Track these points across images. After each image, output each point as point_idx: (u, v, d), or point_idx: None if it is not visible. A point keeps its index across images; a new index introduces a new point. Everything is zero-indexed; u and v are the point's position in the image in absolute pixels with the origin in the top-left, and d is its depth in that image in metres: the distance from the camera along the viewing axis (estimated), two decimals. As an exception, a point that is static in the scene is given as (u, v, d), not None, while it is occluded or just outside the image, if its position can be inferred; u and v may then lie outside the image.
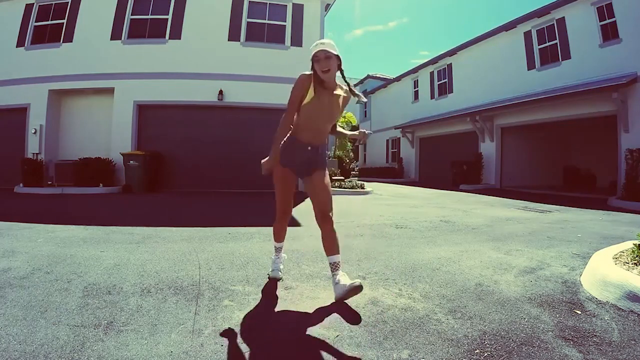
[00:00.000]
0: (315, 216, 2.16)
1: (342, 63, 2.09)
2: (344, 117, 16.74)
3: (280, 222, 2.43)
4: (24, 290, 2.14)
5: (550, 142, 14.06)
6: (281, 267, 2.54)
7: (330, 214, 2.14)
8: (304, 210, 6.01)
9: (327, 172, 2.26)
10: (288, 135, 2.16)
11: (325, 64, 1.99)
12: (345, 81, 2.19)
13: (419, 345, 1.59)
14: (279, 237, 2.49)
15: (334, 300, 2.06)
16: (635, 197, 7.50)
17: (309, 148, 2.13)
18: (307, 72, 2.06)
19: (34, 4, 10.12)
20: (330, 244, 2.11)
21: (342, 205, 7.00)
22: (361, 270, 2.72)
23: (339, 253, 2.13)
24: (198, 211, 6.02)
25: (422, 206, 7.19)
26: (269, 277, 2.48)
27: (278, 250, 2.54)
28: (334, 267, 2.10)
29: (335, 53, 2.01)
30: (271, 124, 11.47)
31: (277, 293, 2.22)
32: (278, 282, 2.42)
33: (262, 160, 2.17)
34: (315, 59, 2.00)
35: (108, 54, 9.90)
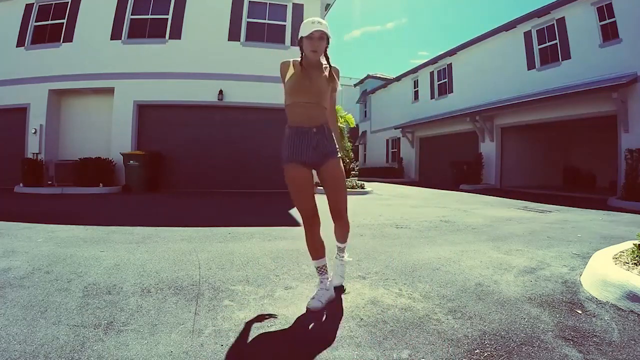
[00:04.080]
0: (330, 211, 2.09)
1: (337, 57, 2.08)
2: (343, 117, 16.71)
3: (309, 231, 2.03)
4: (24, 290, 2.14)
5: (550, 142, 14.06)
6: (327, 298, 1.99)
7: (345, 214, 2.12)
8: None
9: (340, 162, 2.05)
10: (286, 128, 2.03)
11: (317, 45, 1.93)
12: (329, 63, 2.06)
13: (419, 345, 1.59)
14: (316, 252, 2.06)
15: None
16: (635, 197, 7.50)
17: (314, 130, 1.96)
18: (284, 60, 2.03)
19: (34, 4, 10.12)
20: (341, 235, 2.23)
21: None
22: (361, 270, 2.72)
23: (345, 242, 2.27)
24: (198, 211, 6.02)
25: (422, 206, 7.19)
26: (306, 308, 1.95)
27: (321, 272, 2.07)
28: (340, 250, 2.29)
29: (329, 35, 1.96)
30: (271, 124, 11.51)
31: (277, 293, 2.22)
32: (278, 283, 2.41)
33: None
34: (310, 36, 1.91)
35: (108, 53, 9.90)
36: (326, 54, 2.02)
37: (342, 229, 2.18)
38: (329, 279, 2.12)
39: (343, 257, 2.31)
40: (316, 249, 2.06)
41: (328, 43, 1.98)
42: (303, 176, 1.98)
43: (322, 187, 2.07)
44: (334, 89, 2.09)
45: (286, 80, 2.00)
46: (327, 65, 2.05)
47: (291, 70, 1.99)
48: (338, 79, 2.09)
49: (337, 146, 2.06)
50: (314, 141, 1.96)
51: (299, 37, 1.96)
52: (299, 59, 2.00)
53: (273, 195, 9.06)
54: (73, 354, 1.45)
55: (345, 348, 1.57)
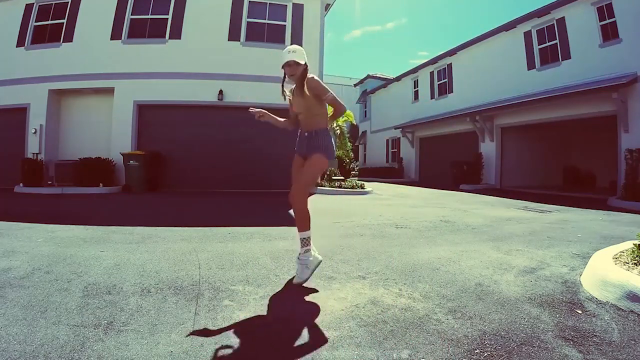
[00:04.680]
0: None
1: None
2: (344, 116, 16.73)
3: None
4: (24, 290, 2.14)
5: (550, 142, 14.06)
6: (308, 270, 2.39)
7: (296, 186, 2.47)
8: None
9: (317, 158, 2.50)
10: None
11: (293, 70, 2.47)
12: (304, 80, 2.49)
13: (419, 345, 1.59)
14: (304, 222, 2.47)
15: (333, 299, 2.06)
16: (635, 197, 7.50)
17: (306, 134, 2.58)
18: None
19: (34, 4, 10.11)
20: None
21: (342, 205, 7.00)
22: (361, 270, 2.72)
23: (300, 231, 2.44)
24: (198, 211, 6.02)
25: (422, 206, 7.19)
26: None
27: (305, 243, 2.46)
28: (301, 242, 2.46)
29: (302, 62, 2.46)
30: (271, 124, 11.43)
31: (277, 293, 2.22)
32: (278, 283, 2.41)
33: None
34: (286, 64, 2.45)
35: (108, 53, 9.89)
36: (304, 73, 2.49)
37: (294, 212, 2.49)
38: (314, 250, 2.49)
39: (300, 252, 2.47)
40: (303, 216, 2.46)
41: (306, 65, 2.50)
42: (298, 162, 2.64)
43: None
44: (317, 96, 2.49)
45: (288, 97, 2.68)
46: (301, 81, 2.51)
47: (292, 90, 2.61)
48: (316, 87, 2.46)
49: (322, 145, 2.53)
50: (304, 142, 2.60)
51: (282, 65, 2.47)
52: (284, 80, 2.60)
53: (273, 195, 9.06)
54: (73, 354, 1.45)
55: (345, 348, 1.57)
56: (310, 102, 2.51)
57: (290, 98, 2.65)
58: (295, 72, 2.47)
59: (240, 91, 10.18)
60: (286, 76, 2.57)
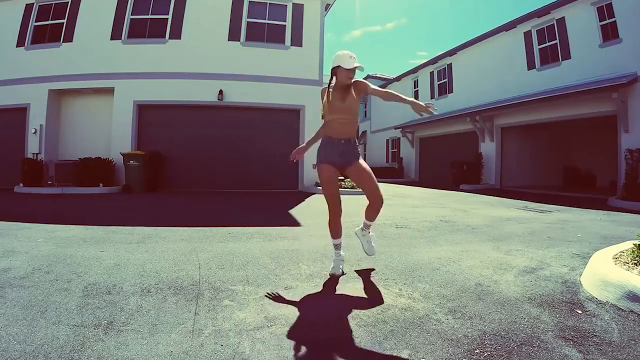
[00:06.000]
0: (367, 198, 2.57)
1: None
2: None
3: (333, 217, 2.58)
4: (24, 290, 2.14)
5: (550, 142, 14.05)
6: (342, 265, 2.62)
7: (380, 193, 2.55)
8: (304, 211, 6.03)
9: (363, 161, 2.59)
10: (322, 138, 2.65)
11: (353, 75, 2.49)
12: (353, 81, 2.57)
13: (419, 345, 1.59)
14: (336, 233, 2.62)
15: (333, 299, 2.06)
16: (635, 197, 7.50)
17: (342, 141, 2.53)
18: (324, 87, 2.59)
19: (34, 4, 10.12)
20: (371, 214, 2.63)
21: (342, 205, 6.97)
22: (359, 269, 2.72)
23: (373, 221, 2.68)
24: (198, 211, 6.02)
25: (422, 206, 7.19)
26: (329, 275, 2.54)
27: (337, 247, 2.65)
28: (366, 226, 2.71)
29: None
30: (271, 124, 11.50)
31: (277, 293, 2.22)
32: (278, 283, 2.42)
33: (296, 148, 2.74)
34: (352, 69, 2.43)
35: (108, 53, 9.89)
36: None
37: (374, 210, 2.59)
38: (341, 253, 2.67)
39: (369, 232, 2.75)
40: (337, 230, 2.61)
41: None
42: (330, 173, 2.56)
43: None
44: (363, 90, 2.54)
45: (324, 102, 2.59)
46: (350, 84, 2.54)
47: (327, 94, 2.56)
48: (363, 85, 2.54)
49: (358, 151, 2.63)
50: (341, 149, 2.53)
51: (336, 65, 2.46)
52: (330, 84, 2.55)
53: (273, 195, 9.06)
54: (73, 354, 1.45)
55: (345, 348, 1.57)
56: (357, 107, 2.55)
57: (327, 103, 2.56)
58: (353, 76, 2.50)
59: (240, 91, 10.19)
60: (335, 79, 2.51)
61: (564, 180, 14.29)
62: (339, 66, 2.45)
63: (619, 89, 8.89)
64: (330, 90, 2.54)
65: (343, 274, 2.57)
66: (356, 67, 2.44)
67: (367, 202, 2.59)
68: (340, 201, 2.59)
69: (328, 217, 2.58)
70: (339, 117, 2.52)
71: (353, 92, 2.51)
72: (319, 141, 2.66)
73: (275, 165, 10.27)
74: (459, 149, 14.88)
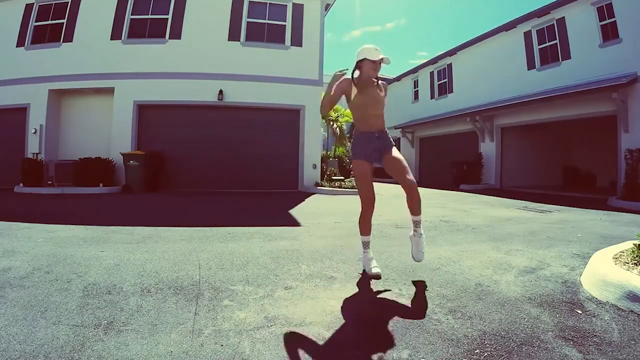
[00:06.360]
0: (403, 188, 2.44)
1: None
2: (342, 114, 16.81)
3: (366, 212, 2.52)
4: (24, 290, 2.14)
5: (550, 142, 14.05)
6: (373, 264, 2.55)
7: (410, 177, 2.42)
8: (304, 211, 6.03)
9: (395, 148, 2.55)
10: (354, 134, 2.61)
11: (379, 68, 2.45)
12: (378, 80, 2.59)
13: (419, 345, 1.59)
14: (366, 229, 2.58)
15: (334, 300, 2.06)
16: (635, 197, 7.49)
17: (377, 135, 2.50)
18: (347, 77, 2.49)
19: (34, 3, 10.12)
20: (413, 205, 2.47)
21: (342, 205, 6.99)
22: (361, 270, 2.72)
23: (419, 214, 2.50)
24: (198, 211, 6.02)
25: (422, 206, 7.17)
26: (360, 274, 2.54)
27: (365, 245, 2.61)
28: (416, 224, 2.52)
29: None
30: (271, 124, 11.50)
31: (277, 293, 2.22)
32: (278, 283, 2.42)
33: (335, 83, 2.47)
34: (378, 61, 2.40)
35: (108, 53, 9.90)
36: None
37: (413, 198, 2.42)
38: (370, 253, 2.62)
39: (418, 231, 2.54)
40: (367, 227, 2.58)
41: None
42: (366, 169, 2.52)
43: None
44: (385, 93, 2.60)
45: (352, 97, 2.50)
46: (376, 80, 2.55)
47: (354, 89, 2.48)
48: (386, 90, 2.61)
49: (392, 140, 2.59)
50: (376, 144, 2.50)
51: (362, 58, 2.42)
52: (353, 77, 2.48)
53: (273, 195, 9.06)
54: (73, 354, 1.45)
55: (345, 348, 1.57)
56: (382, 98, 2.54)
57: (358, 96, 2.50)
58: (379, 69, 2.48)
59: (240, 91, 10.19)
60: (360, 72, 2.47)
61: (564, 180, 14.28)
62: (364, 59, 2.42)
63: (619, 89, 8.89)
64: (355, 82, 2.49)
65: (379, 276, 2.47)
66: (382, 59, 2.41)
67: (404, 198, 2.51)
68: (375, 198, 2.52)
69: (359, 214, 2.55)
70: (372, 109, 2.49)
71: (379, 88, 2.54)
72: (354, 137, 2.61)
73: (275, 165, 10.27)
74: (459, 149, 14.88)
